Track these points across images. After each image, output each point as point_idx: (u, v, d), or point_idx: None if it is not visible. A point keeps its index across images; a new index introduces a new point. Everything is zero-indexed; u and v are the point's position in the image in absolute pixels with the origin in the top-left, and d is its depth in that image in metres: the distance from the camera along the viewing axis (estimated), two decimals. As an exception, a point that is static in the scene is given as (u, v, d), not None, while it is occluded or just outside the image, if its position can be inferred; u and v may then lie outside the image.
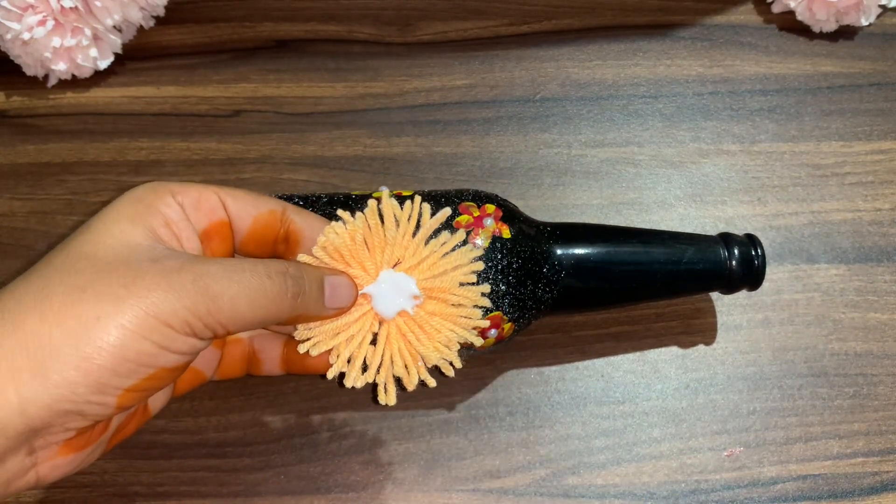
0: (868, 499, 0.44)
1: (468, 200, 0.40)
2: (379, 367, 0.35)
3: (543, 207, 0.50)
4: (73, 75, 0.53)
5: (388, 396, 0.36)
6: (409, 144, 0.52)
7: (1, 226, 0.50)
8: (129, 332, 0.28)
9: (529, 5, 0.57)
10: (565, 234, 0.42)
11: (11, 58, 0.52)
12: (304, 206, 0.40)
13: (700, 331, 0.48)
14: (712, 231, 0.50)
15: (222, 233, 0.34)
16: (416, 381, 0.36)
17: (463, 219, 0.40)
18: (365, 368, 0.35)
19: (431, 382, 0.36)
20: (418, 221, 0.36)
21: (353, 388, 0.35)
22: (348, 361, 0.35)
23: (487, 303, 0.37)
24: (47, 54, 0.50)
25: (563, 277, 0.41)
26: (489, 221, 0.40)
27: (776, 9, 0.56)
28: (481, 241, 0.39)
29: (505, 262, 0.39)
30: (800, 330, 0.48)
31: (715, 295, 0.48)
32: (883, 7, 0.56)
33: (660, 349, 0.47)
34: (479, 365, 0.46)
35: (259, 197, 0.35)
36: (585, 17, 0.56)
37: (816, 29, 0.55)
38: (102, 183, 0.51)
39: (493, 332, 0.40)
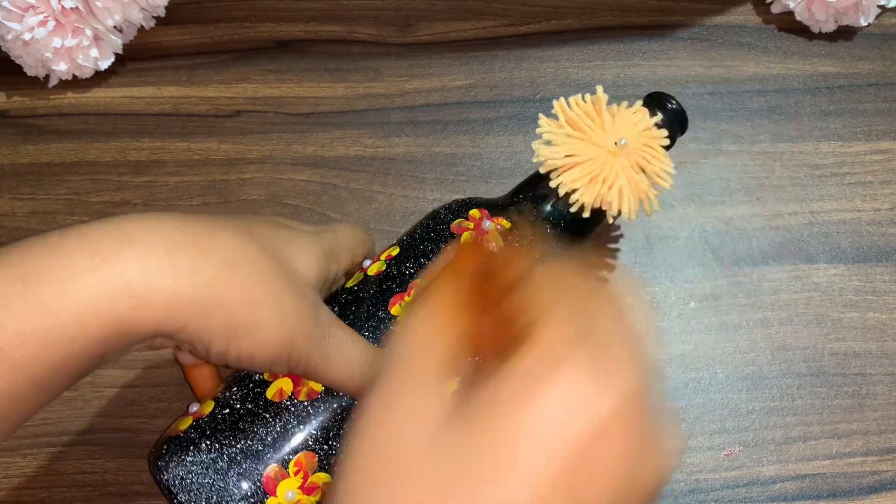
0: (867, 498, 0.44)
1: (453, 219, 0.40)
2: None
3: (543, 207, 0.50)
4: (74, 75, 0.53)
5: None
6: (409, 144, 0.52)
7: (1, 226, 0.50)
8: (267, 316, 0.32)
9: (529, 6, 0.57)
10: (532, 186, 0.43)
11: (12, 58, 0.52)
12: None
13: (698, 330, 0.48)
14: (711, 231, 0.50)
15: None
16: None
17: (467, 236, 0.39)
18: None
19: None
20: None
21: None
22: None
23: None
24: (48, 54, 0.50)
25: (564, 222, 0.42)
26: (488, 224, 0.40)
27: (775, 9, 0.56)
28: (496, 242, 0.39)
29: (525, 247, 0.39)
30: (799, 329, 0.48)
31: (714, 294, 0.48)
32: (882, 7, 0.56)
33: (660, 348, 0.47)
34: (479, 364, 0.46)
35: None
36: (585, 18, 0.56)
37: (815, 29, 0.55)
38: (103, 183, 0.51)
39: None
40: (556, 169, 0.40)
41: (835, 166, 0.52)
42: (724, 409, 0.46)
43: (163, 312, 0.30)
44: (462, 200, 0.42)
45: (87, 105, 0.53)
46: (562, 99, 0.41)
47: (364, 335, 0.36)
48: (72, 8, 0.49)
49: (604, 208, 0.40)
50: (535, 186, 0.43)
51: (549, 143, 0.41)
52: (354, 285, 0.39)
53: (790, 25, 0.56)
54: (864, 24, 0.55)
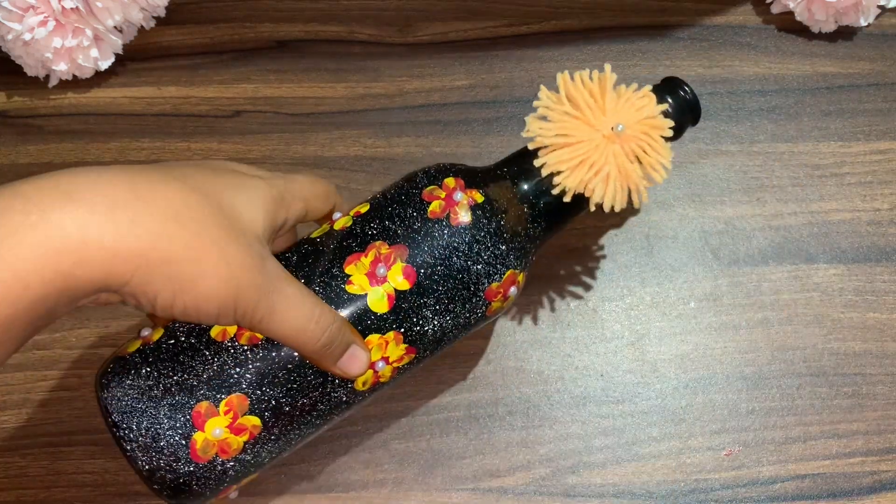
0: (866, 498, 0.44)
1: (426, 185, 0.39)
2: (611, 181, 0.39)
3: (543, 207, 0.50)
4: (74, 76, 0.53)
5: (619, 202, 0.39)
6: (409, 144, 0.52)
7: (2, 226, 0.50)
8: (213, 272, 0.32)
9: (529, 6, 0.57)
10: (519, 161, 0.41)
11: (12, 58, 0.52)
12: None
13: (699, 329, 0.48)
14: (711, 231, 0.50)
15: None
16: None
17: (436, 205, 0.38)
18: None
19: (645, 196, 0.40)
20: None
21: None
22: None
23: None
24: (48, 55, 0.50)
25: (543, 204, 0.41)
26: (459, 195, 0.39)
27: (775, 9, 0.56)
28: (463, 216, 0.38)
29: (494, 224, 0.38)
30: (799, 330, 0.48)
31: (714, 294, 0.48)
32: (882, 7, 0.56)
33: (660, 348, 0.47)
34: (479, 364, 0.47)
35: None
36: (585, 18, 0.56)
37: (815, 29, 0.55)
38: (103, 183, 0.51)
39: (513, 290, 0.40)
40: (544, 147, 0.39)
41: (835, 166, 0.52)
42: (724, 409, 0.46)
43: (106, 267, 0.30)
44: (442, 165, 0.41)
45: (87, 105, 0.53)
46: (566, 73, 0.40)
47: (314, 289, 0.37)
48: (72, 8, 0.49)
49: (587, 195, 0.39)
50: (521, 162, 0.41)
51: (544, 118, 0.39)
52: (318, 237, 0.39)
53: (790, 25, 0.56)
54: (863, 24, 0.55)
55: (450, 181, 0.39)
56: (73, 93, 0.54)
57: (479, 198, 0.39)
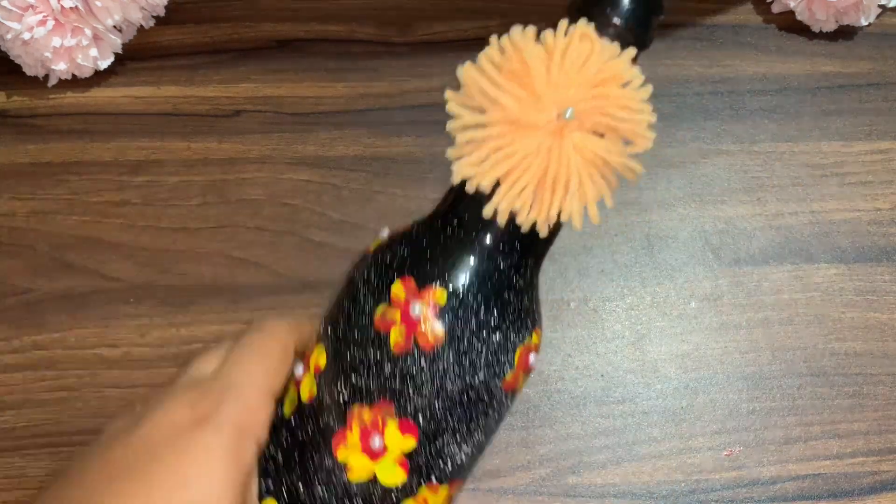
0: (867, 498, 0.44)
1: (373, 306, 0.31)
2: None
3: (543, 207, 0.50)
4: (74, 75, 0.53)
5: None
6: (409, 144, 0.52)
7: (1, 226, 0.50)
8: None
9: (529, 5, 0.57)
10: (467, 205, 0.31)
11: (12, 58, 0.52)
12: None
13: (698, 329, 0.48)
14: (711, 231, 0.50)
15: None
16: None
17: (396, 335, 0.30)
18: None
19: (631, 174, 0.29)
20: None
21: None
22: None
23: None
24: (48, 54, 0.50)
25: (520, 246, 0.31)
26: (417, 310, 0.30)
27: (776, 9, 0.56)
28: (433, 336, 0.30)
29: (475, 321, 0.30)
30: (799, 329, 0.48)
31: (714, 294, 0.48)
32: (882, 7, 0.56)
33: (660, 348, 0.47)
34: (479, 364, 0.46)
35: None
36: (585, 17, 0.56)
37: (816, 29, 0.55)
38: (103, 183, 0.51)
39: (532, 358, 0.32)
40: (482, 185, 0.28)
41: (835, 166, 0.52)
42: (724, 409, 0.46)
43: None
44: (380, 263, 0.32)
45: (87, 105, 0.53)
46: (468, 64, 0.29)
47: (317, 492, 0.31)
48: (71, 7, 0.49)
49: (563, 220, 0.29)
50: (470, 206, 0.31)
51: (471, 140, 0.28)
52: (291, 417, 0.32)
53: (791, 25, 0.56)
54: (864, 23, 0.55)
55: (398, 291, 0.30)
56: (73, 92, 0.54)
57: (442, 298, 0.30)
